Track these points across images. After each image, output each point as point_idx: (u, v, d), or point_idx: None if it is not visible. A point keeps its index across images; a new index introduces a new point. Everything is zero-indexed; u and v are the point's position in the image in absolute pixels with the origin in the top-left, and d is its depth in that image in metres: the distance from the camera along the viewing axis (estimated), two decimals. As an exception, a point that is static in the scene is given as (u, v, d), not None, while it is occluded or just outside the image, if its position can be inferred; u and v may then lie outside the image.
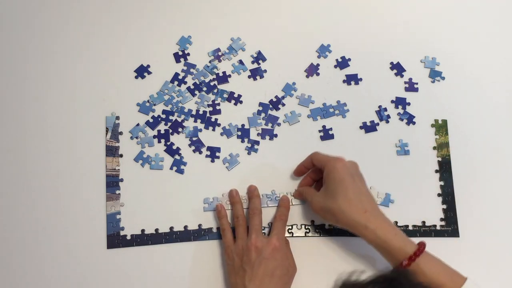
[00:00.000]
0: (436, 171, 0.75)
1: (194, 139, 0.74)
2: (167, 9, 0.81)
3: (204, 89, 0.77)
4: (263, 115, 0.76)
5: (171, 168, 0.73)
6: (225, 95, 0.77)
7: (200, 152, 0.74)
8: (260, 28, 0.81)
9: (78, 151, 0.73)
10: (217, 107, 0.76)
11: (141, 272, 0.69)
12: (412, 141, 0.76)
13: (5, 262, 0.69)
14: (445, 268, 0.59)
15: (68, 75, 0.77)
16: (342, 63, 0.79)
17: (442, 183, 0.74)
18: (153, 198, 0.72)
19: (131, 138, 0.74)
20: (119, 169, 0.72)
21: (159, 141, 0.74)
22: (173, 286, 0.69)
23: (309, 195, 0.68)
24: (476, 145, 0.76)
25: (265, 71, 0.78)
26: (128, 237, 0.70)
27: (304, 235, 0.71)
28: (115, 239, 0.70)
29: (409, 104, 0.78)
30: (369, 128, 0.76)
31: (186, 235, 0.70)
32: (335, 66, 0.79)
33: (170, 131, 0.75)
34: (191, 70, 0.78)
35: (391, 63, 0.80)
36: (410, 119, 0.77)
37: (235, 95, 0.77)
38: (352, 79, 0.79)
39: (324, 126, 0.76)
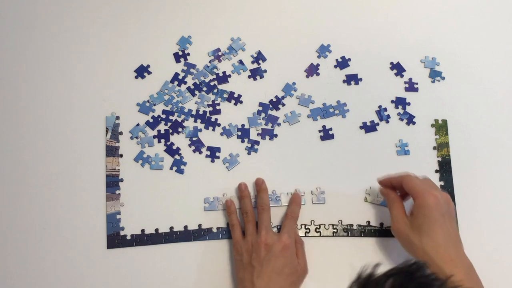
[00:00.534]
0: (436, 171, 0.75)
1: (194, 139, 0.74)
2: (167, 9, 0.81)
3: (204, 89, 0.77)
4: (263, 115, 0.76)
5: (171, 168, 0.73)
6: (225, 95, 0.77)
7: (200, 152, 0.74)
8: (260, 28, 0.81)
9: (78, 151, 0.73)
10: (217, 107, 0.76)
11: (141, 272, 0.69)
12: (412, 141, 0.76)
13: (5, 262, 0.69)
14: None
15: (68, 75, 0.77)
16: (342, 63, 0.79)
17: (442, 183, 0.74)
18: (153, 198, 0.72)
19: (131, 138, 0.74)
20: (119, 169, 0.73)
21: (159, 141, 0.74)
22: (173, 286, 0.69)
23: (396, 212, 0.64)
24: (476, 145, 0.76)
25: (265, 71, 0.78)
26: (128, 237, 0.70)
27: (304, 235, 0.71)
28: (115, 239, 0.70)
29: (409, 104, 0.78)
30: (369, 128, 0.76)
31: (186, 235, 0.70)
32: (335, 66, 0.79)
33: (170, 131, 0.75)
34: (191, 70, 0.78)
35: (391, 63, 0.80)
36: (410, 119, 0.77)
37: (235, 95, 0.77)
38: (352, 79, 0.79)
39: (324, 126, 0.76)
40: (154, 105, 0.76)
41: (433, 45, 0.81)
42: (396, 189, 0.68)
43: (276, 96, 0.77)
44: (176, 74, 0.77)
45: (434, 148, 0.76)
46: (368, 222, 0.72)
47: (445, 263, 0.58)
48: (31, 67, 0.77)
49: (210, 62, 0.78)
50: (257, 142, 0.75)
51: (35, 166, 0.72)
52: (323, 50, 0.80)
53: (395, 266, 0.42)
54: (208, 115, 0.76)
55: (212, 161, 0.74)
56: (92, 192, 0.71)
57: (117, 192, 0.72)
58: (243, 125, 0.75)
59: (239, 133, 0.75)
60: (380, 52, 0.80)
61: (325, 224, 0.72)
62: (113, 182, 0.72)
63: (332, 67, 0.79)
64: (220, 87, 0.77)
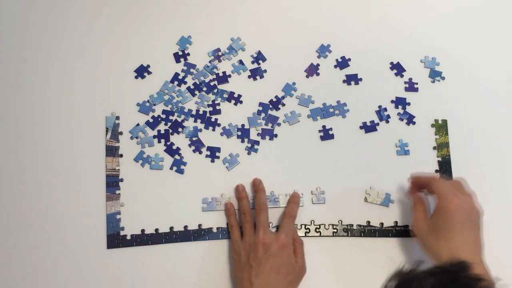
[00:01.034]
0: (436, 171, 0.75)
1: (194, 139, 0.74)
2: (167, 9, 0.81)
3: (204, 89, 0.77)
4: (263, 115, 0.76)
5: (171, 168, 0.73)
6: (225, 95, 0.77)
7: (200, 152, 0.74)
8: (260, 28, 0.81)
9: (78, 151, 0.73)
10: (217, 107, 0.76)
11: (141, 272, 0.69)
12: (412, 141, 0.76)
13: (5, 262, 0.69)
14: None
15: (68, 75, 0.77)
16: (342, 63, 0.79)
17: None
18: (153, 198, 0.72)
19: (131, 138, 0.74)
20: (119, 169, 0.73)
21: (159, 141, 0.74)
22: (173, 286, 0.69)
23: (417, 213, 0.66)
24: (476, 145, 0.76)
25: (265, 71, 0.78)
26: (128, 237, 0.70)
27: (304, 235, 0.71)
28: (115, 239, 0.70)
29: (409, 104, 0.78)
30: (369, 128, 0.76)
31: (186, 235, 0.70)
32: (335, 66, 0.79)
33: (170, 131, 0.75)
34: (191, 70, 0.78)
35: (391, 63, 0.80)
36: (410, 119, 0.77)
37: (235, 95, 0.77)
38: (352, 79, 0.79)
39: (324, 126, 0.76)
40: (154, 105, 0.76)
41: (433, 45, 0.81)
42: (424, 188, 0.68)
43: (276, 96, 0.77)
44: (176, 74, 0.77)
45: (434, 148, 0.76)
46: (368, 222, 0.72)
47: None
48: (31, 67, 0.77)
49: (210, 62, 0.78)
50: (257, 142, 0.75)
51: (35, 166, 0.72)
52: (323, 50, 0.80)
53: (438, 265, 0.41)
54: (208, 115, 0.76)
55: (212, 161, 0.74)
56: (92, 192, 0.71)
57: (117, 192, 0.72)
58: (243, 125, 0.75)
59: (239, 133, 0.75)
60: (380, 52, 0.80)
61: (325, 224, 0.72)
62: (113, 182, 0.72)
63: (332, 67, 0.79)
64: (220, 87, 0.77)
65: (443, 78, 0.79)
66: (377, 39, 0.81)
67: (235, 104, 0.76)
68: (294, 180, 0.73)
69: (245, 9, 0.82)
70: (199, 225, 0.71)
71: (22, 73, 0.77)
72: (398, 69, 0.79)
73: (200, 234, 0.70)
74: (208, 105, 0.76)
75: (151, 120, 0.75)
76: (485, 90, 0.79)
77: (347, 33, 0.81)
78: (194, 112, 0.76)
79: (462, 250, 0.59)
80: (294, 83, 0.78)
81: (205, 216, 0.71)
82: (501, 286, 0.40)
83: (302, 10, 0.82)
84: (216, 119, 0.75)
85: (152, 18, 0.80)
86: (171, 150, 0.74)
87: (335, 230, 0.71)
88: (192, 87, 0.77)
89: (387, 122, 0.77)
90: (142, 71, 0.77)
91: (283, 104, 0.77)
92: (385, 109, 0.77)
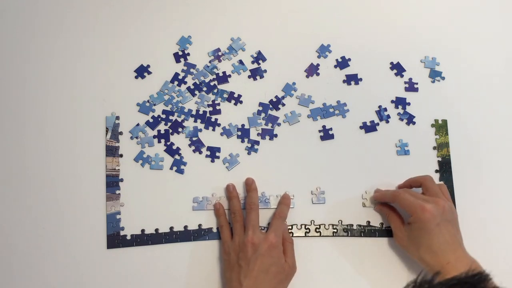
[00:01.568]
0: (436, 171, 0.75)
1: (194, 139, 0.74)
2: (167, 9, 0.81)
3: (204, 89, 0.77)
4: (263, 115, 0.76)
5: (171, 168, 0.73)
6: (225, 95, 0.77)
7: (200, 152, 0.74)
8: (260, 28, 0.81)
9: (78, 151, 0.73)
10: (217, 107, 0.76)
11: (141, 272, 0.69)
12: (412, 141, 0.76)
13: (5, 262, 0.69)
14: None
15: (68, 75, 0.77)
16: (342, 63, 0.79)
17: (442, 183, 0.74)
18: (153, 198, 0.72)
19: (131, 138, 0.74)
20: (119, 169, 0.72)
21: (159, 141, 0.74)
22: (173, 286, 0.69)
23: (393, 226, 0.68)
24: (476, 145, 0.76)
25: (265, 71, 0.78)
26: (128, 237, 0.70)
27: (304, 235, 0.71)
28: (115, 239, 0.70)
29: (409, 104, 0.78)
30: (369, 128, 0.76)
31: (186, 235, 0.70)
32: (335, 66, 0.79)
33: (170, 131, 0.75)
34: (191, 70, 0.78)
35: (391, 63, 0.80)
36: (410, 119, 0.77)
37: (235, 95, 0.77)
38: (352, 79, 0.79)
39: (324, 126, 0.76)
40: (154, 105, 0.76)
41: (433, 45, 0.81)
42: (391, 202, 0.70)
43: (276, 96, 0.77)
44: (176, 74, 0.77)
45: (434, 148, 0.76)
46: (368, 222, 0.72)
47: (442, 267, 0.60)
48: (31, 67, 0.77)
49: (210, 62, 0.78)
50: (257, 142, 0.75)
51: (35, 166, 0.72)
52: (323, 50, 0.80)
53: (456, 276, 0.41)
54: (208, 115, 0.76)
55: (212, 161, 0.74)
56: (92, 192, 0.71)
57: (117, 192, 0.72)
58: (243, 125, 0.75)
59: (239, 133, 0.75)
60: (380, 52, 0.80)
61: (325, 224, 0.72)
62: (113, 182, 0.72)
63: (332, 67, 0.79)
64: (220, 87, 0.77)
65: (443, 78, 0.79)
66: (377, 39, 0.81)
67: (235, 104, 0.76)
68: (294, 180, 0.73)
69: (245, 9, 0.82)
70: (199, 225, 0.71)
71: (22, 73, 0.77)
72: (398, 69, 0.79)
73: (200, 234, 0.70)
74: (208, 105, 0.76)
75: (151, 120, 0.75)
76: (485, 90, 0.79)
77: (347, 33, 0.81)
78: (194, 112, 0.76)
79: (444, 249, 0.61)
80: (294, 83, 0.78)
81: (206, 216, 0.71)
82: None
83: (302, 10, 0.82)
84: (216, 119, 0.75)
85: (152, 18, 0.80)
86: (171, 150, 0.74)
87: (335, 230, 0.71)
88: (192, 87, 0.77)
89: (387, 122, 0.77)
90: (142, 71, 0.77)
91: (283, 104, 0.77)
92: (385, 109, 0.77)
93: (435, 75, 0.79)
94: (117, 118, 0.75)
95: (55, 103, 0.75)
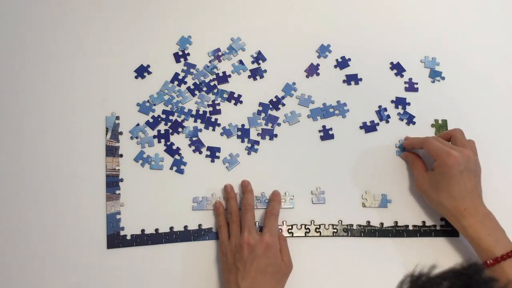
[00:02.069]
0: (436, 171, 0.75)
1: (194, 139, 0.74)
2: (167, 9, 0.81)
3: (204, 89, 0.77)
4: (263, 115, 0.76)
5: (171, 168, 0.73)
6: (225, 95, 0.77)
7: (200, 152, 0.74)
8: (260, 28, 0.81)
9: (78, 151, 0.73)
10: (217, 107, 0.76)
11: (141, 272, 0.69)
12: (412, 141, 0.76)
13: (5, 262, 0.69)
14: None
15: (68, 75, 0.77)
16: (342, 63, 0.79)
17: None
18: (153, 198, 0.72)
19: (131, 138, 0.74)
20: (119, 169, 0.73)
21: (159, 141, 0.74)
22: (173, 286, 0.69)
23: (416, 171, 0.70)
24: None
25: (265, 71, 0.78)
26: (128, 237, 0.70)
27: (304, 235, 0.71)
28: (115, 239, 0.70)
29: (409, 104, 0.78)
30: (369, 128, 0.76)
31: (186, 235, 0.70)
32: (335, 66, 0.79)
33: (170, 131, 0.75)
34: (191, 70, 0.78)
35: (391, 63, 0.80)
36: (410, 119, 0.77)
37: (235, 95, 0.77)
38: (352, 79, 0.79)
39: (324, 126, 0.76)
40: (154, 105, 0.76)
41: (433, 45, 0.81)
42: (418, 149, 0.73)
43: (276, 96, 0.77)
44: (176, 74, 0.77)
45: (434, 148, 0.76)
46: (368, 222, 0.72)
47: (459, 213, 0.63)
48: (31, 67, 0.77)
49: (210, 62, 0.78)
50: (257, 142, 0.75)
51: (35, 166, 0.72)
52: (323, 50, 0.80)
53: (451, 268, 0.41)
54: (208, 115, 0.76)
55: (212, 161, 0.74)
56: (92, 192, 0.71)
57: (117, 192, 0.72)
58: (243, 125, 0.75)
59: (239, 133, 0.75)
60: (380, 52, 0.80)
61: (325, 224, 0.72)
62: (113, 182, 0.72)
63: (332, 67, 0.79)
64: (220, 87, 0.77)
65: (443, 78, 0.79)
66: (377, 39, 0.81)
67: (235, 104, 0.76)
68: (294, 180, 0.73)
69: (245, 9, 0.82)
70: (199, 225, 0.71)
71: (22, 73, 0.77)
72: (398, 69, 0.79)
73: (200, 234, 0.70)
74: (208, 105, 0.76)
75: (151, 120, 0.75)
76: (485, 90, 0.79)
77: (347, 33, 0.81)
78: (194, 112, 0.76)
79: (463, 196, 0.64)
80: (294, 83, 0.78)
81: (206, 216, 0.71)
82: None
83: (302, 10, 0.82)
84: (216, 119, 0.75)
85: (152, 18, 0.80)
86: (171, 150, 0.74)
87: (335, 230, 0.71)
88: (192, 87, 0.77)
89: (387, 122, 0.77)
90: (142, 71, 0.77)
91: (283, 104, 0.77)
92: (385, 109, 0.77)
93: (435, 75, 0.79)
94: (117, 118, 0.75)
95: (55, 103, 0.75)
